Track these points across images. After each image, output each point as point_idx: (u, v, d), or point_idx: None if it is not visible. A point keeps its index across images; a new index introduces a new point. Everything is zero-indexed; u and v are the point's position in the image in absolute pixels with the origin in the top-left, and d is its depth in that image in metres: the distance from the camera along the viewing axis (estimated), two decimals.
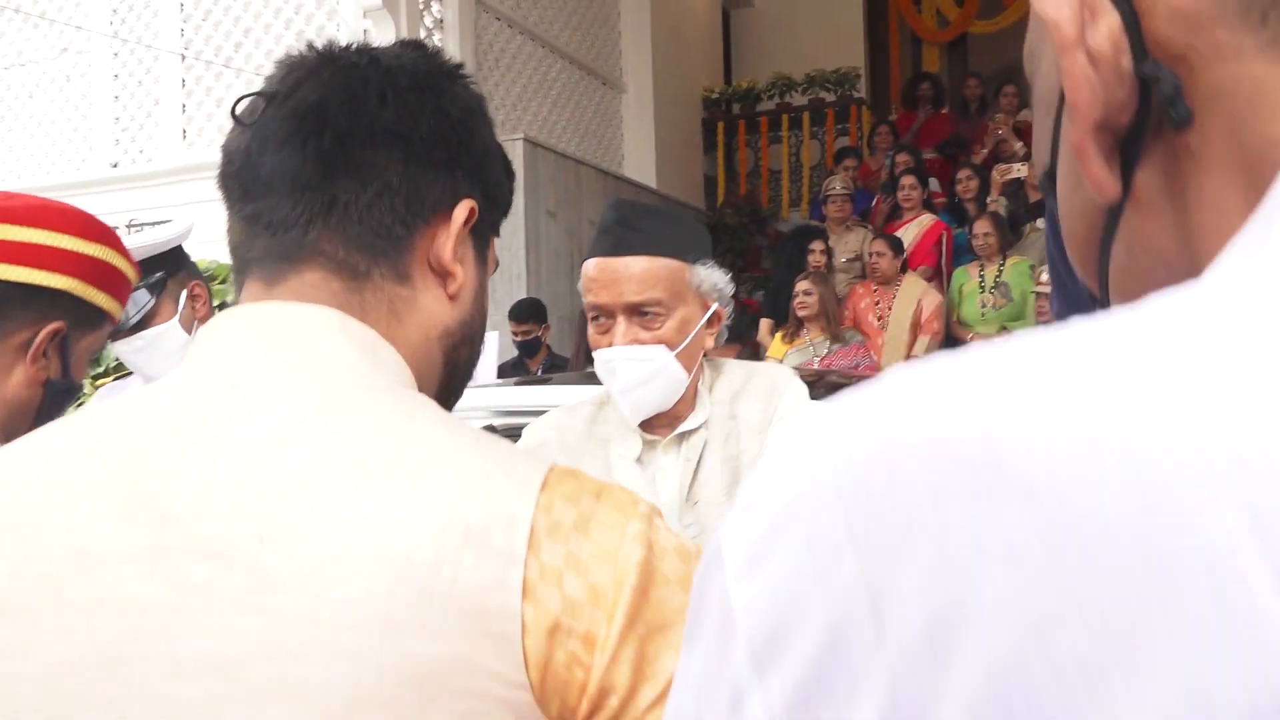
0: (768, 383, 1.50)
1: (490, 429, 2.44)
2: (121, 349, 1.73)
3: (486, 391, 2.69)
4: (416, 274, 0.71)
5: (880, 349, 5.45)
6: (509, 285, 6.41)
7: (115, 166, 7.45)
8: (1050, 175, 0.40)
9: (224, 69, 6.92)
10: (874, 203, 7.16)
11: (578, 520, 0.58)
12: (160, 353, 1.71)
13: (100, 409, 0.66)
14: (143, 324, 1.70)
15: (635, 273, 1.37)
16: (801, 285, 4.89)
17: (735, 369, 1.54)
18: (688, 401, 1.46)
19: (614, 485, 0.63)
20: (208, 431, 0.60)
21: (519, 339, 5.23)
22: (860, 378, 4.63)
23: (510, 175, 0.80)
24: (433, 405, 0.66)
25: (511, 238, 6.38)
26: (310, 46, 0.73)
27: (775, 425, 1.44)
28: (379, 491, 0.57)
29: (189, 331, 1.73)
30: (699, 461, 1.44)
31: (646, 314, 1.38)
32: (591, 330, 1.43)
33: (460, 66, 0.76)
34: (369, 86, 0.69)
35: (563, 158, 6.91)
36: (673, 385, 1.41)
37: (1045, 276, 4.65)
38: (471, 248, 0.75)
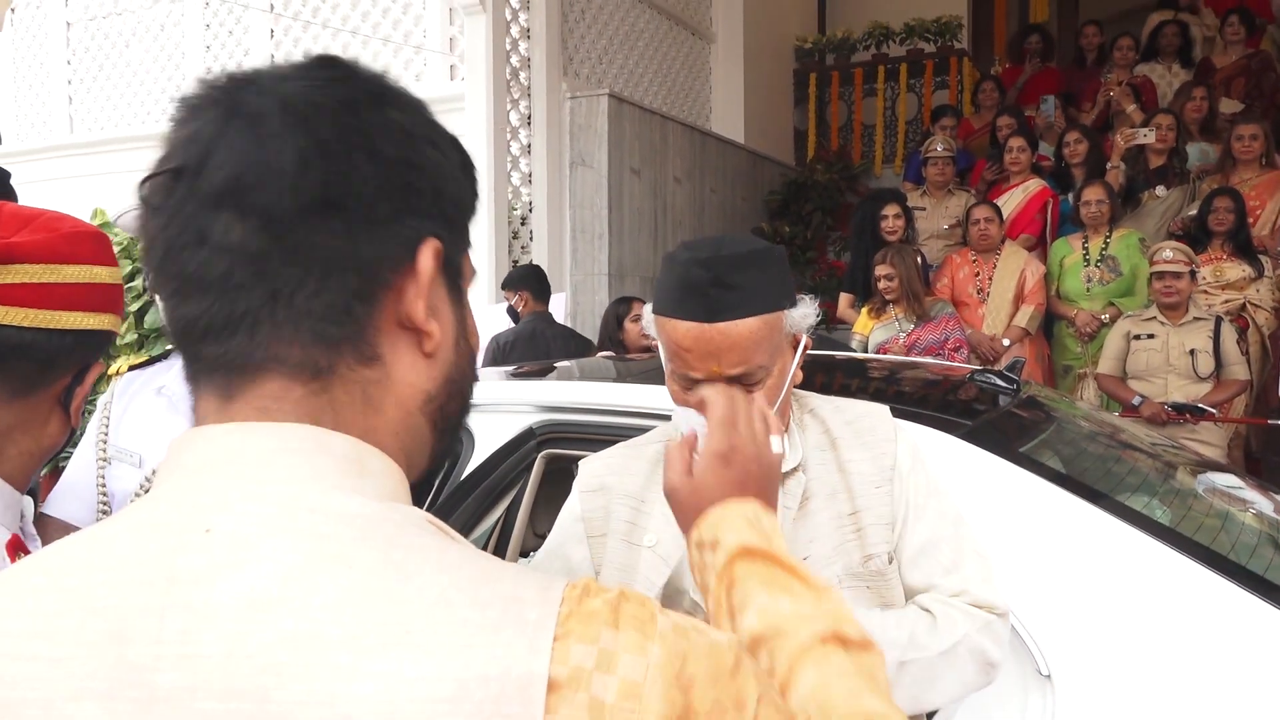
0: (868, 426, 1.38)
1: (530, 433, 2.32)
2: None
3: (530, 386, 2.54)
4: (385, 346, 0.63)
5: (980, 320, 5.20)
6: (590, 245, 6.31)
7: None
8: None
9: (311, 21, 6.89)
10: (975, 165, 6.82)
11: (599, 659, 0.53)
12: None
13: (67, 553, 0.59)
14: None
15: (737, 341, 1.22)
16: (881, 269, 4.66)
17: (823, 406, 1.42)
18: None
19: (629, 598, 0.57)
20: (186, 592, 0.54)
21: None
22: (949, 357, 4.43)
23: (468, 171, 0.68)
24: (425, 536, 0.58)
25: (595, 195, 6.27)
26: (205, 85, 0.62)
27: (902, 479, 1.33)
28: (377, 668, 0.51)
29: None
30: (800, 511, 1.33)
31: (748, 380, 1.25)
32: (675, 387, 1.31)
33: (384, 78, 0.65)
34: (284, 148, 0.58)
35: (648, 113, 6.74)
36: None
37: (1169, 254, 4.34)
38: (444, 285, 0.66)
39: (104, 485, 1.56)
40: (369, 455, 0.61)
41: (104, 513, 1.55)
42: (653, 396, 2.21)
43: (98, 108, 8.18)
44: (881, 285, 4.64)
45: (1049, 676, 1.53)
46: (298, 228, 0.58)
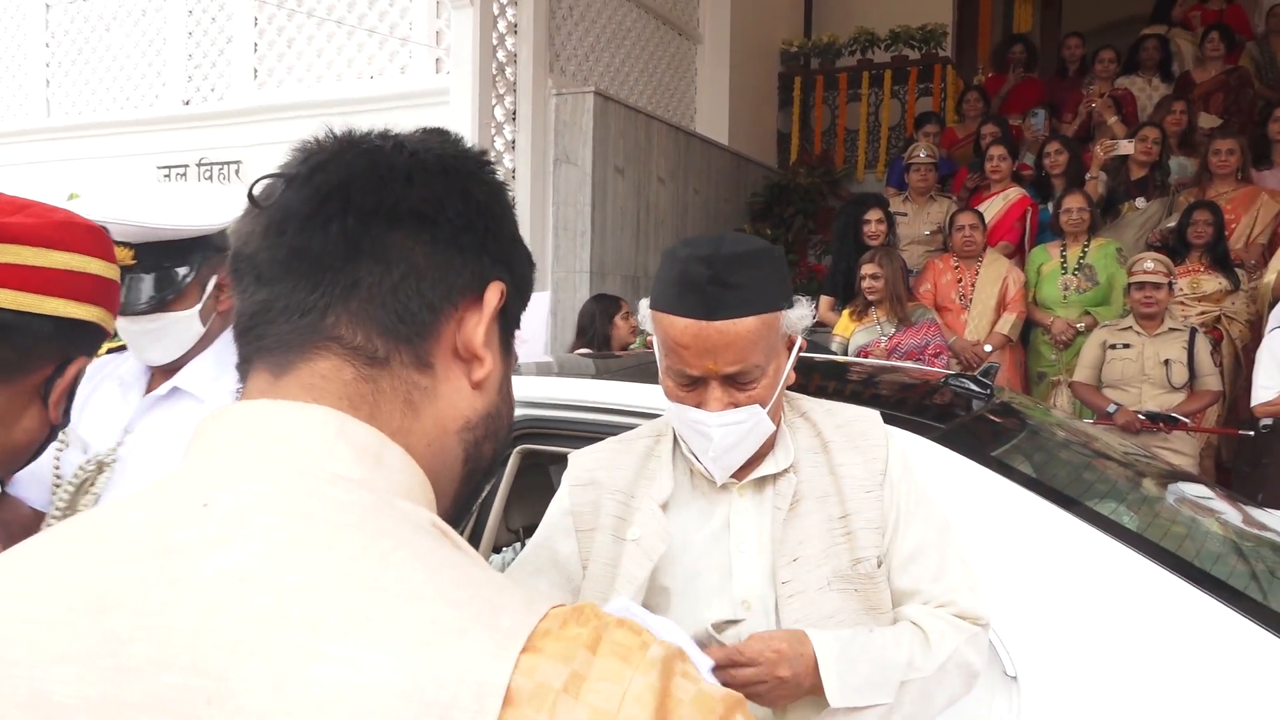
0: (860, 430, 1.38)
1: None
2: (127, 326, 1.55)
3: (523, 383, 2.52)
4: (439, 362, 0.67)
5: (962, 326, 5.23)
6: (573, 242, 6.30)
7: (187, 104, 7.45)
8: None
9: (296, 10, 6.84)
10: (957, 173, 6.86)
11: (569, 681, 0.50)
12: (168, 339, 1.56)
13: (86, 522, 0.61)
14: (162, 306, 1.53)
15: (735, 339, 1.22)
16: (868, 269, 4.68)
17: (815, 409, 1.43)
18: (768, 441, 1.35)
19: (623, 625, 0.54)
20: (174, 564, 0.55)
21: None
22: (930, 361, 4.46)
23: (532, 266, 0.77)
24: (421, 535, 0.58)
25: (578, 193, 6.26)
26: (330, 131, 0.69)
27: (892, 485, 1.34)
28: (333, 651, 0.50)
29: (204, 324, 1.59)
30: (791, 512, 1.33)
31: (744, 379, 1.26)
32: (670, 383, 1.31)
33: (485, 153, 0.74)
34: (394, 168, 0.66)
35: (633, 112, 6.73)
36: (762, 438, 1.32)
37: (1150, 265, 4.38)
38: (498, 332, 0.72)
39: (58, 469, 1.53)
40: (390, 450, 0.63)
41: (56, 496, 1.52)
42: (628, 394, 2.22)
43: (76, 91, 8.08)
44: (866, 284, 4.65)
45: (1015, 677, 1.55)
46: (391, 229, 0.64)
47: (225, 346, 1.62)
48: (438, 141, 0.70)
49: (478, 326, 0.68)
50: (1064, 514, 1.77)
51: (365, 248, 0.64)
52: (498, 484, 2.35)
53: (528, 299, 0.76)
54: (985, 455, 1.91)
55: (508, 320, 0.73)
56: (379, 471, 0.61)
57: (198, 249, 1.56)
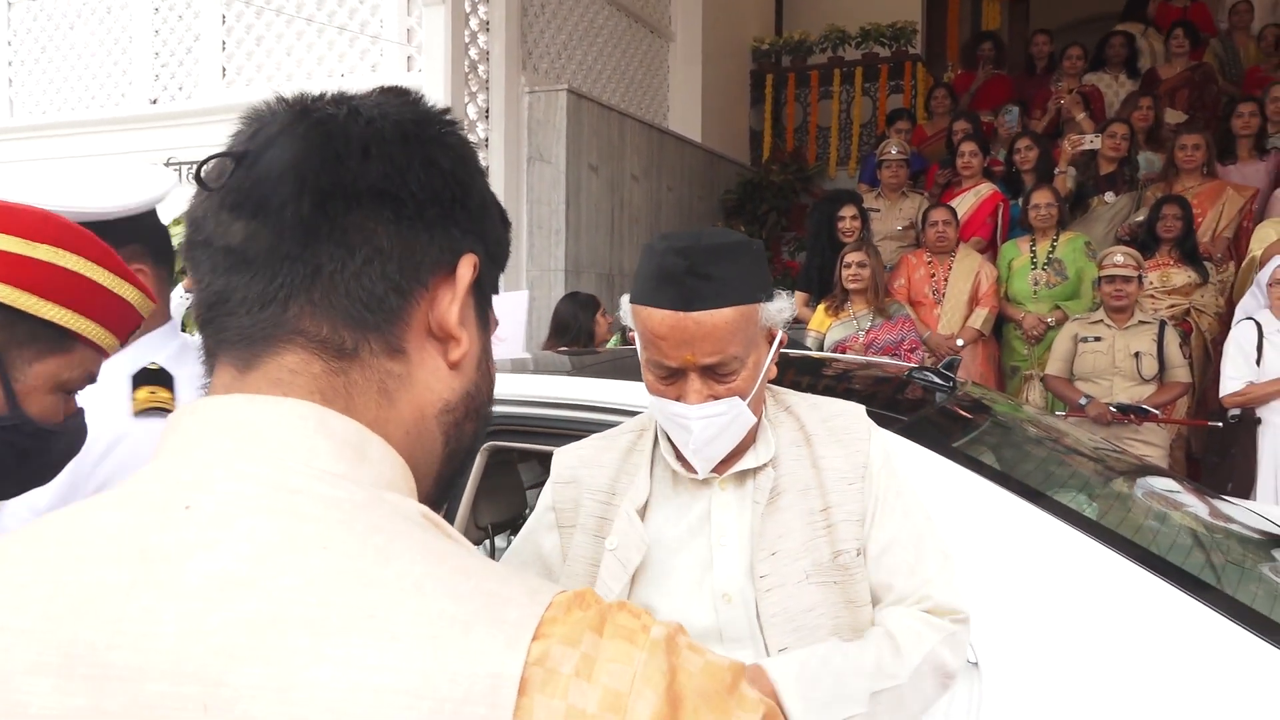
0: (843, 425, 1.38)
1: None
2: None
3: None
4: (412, 346, 0.63)
5: (936, 320, 5.27)
6: (548, 240, 6.29)
7: (154, 103, 7.36)
8: None
9: (265, 7, 6.77)
10: (929, 169, 6.91)
11: (579, 664, 0.50)
12: None
13: (54, 524, 0.58)
14: None
15: (712, 330, 1.23)
16: (854, 257, 4.70)
17: (799, 403, 1.43)
18: (750, 435, 1.35)
19: (624, 609, 0.54)
20: (156, 570, 0.53)
21: None
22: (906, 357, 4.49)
23: (507, 225, 0.73)
24: (414, 527, 0.56)
25: (552, 191, 6.25)
26: (280, 99, 0.65)
27: (874, 477, 1.34)
28: (337, 653, 0.49)
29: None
30: (770, 506, 1.33)
31: (722, 370, 1.26)
32: (651, 377, 1.31)
33: (448, 113, 0.68)
34: (350, 141, 0.61)
35: (606, 109, 6.73)
36: (743, 430, 1.32)
37: (1120, 259, 4.44)
38: (473, 306, 0.68)
39: None
40: (371, 442, 0.61)
41: None
42: (596, 390, 2.23)
43: (39, 91, 7.94)
44: (852, 272, 4.65)
45: (976, 664, 1.58)
46: (350, 211, 0.60)
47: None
48: (396, 104, 0.65)
49: (451, 305, 0.64)
50: (1025, 504, 1.80)
51: (324, 232, 0.60)
52: (465, 481, 2.35)
53: (504, 264, 0.72)
54: (947, 446, 1.94)
55: (483, 291, 0.69)
56: (362, 465, 0.59)
57: (123, 231, 1.42)
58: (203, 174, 0.62)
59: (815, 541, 1.31)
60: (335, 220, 0.60)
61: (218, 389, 0.62)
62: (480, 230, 0.67)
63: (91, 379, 1.10)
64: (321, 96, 0.65)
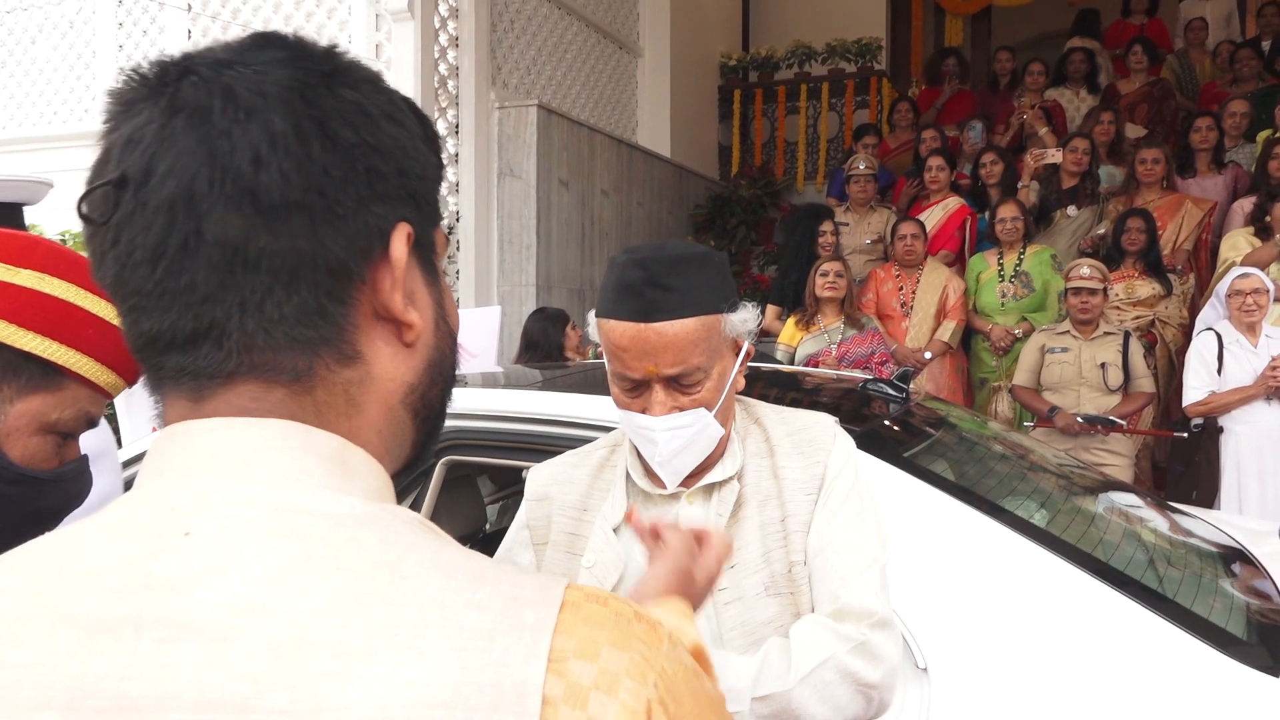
0: (808, 438, 1.37)
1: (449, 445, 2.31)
2: None
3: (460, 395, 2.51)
4: (363, 343, 0.60)
5: (904, 334, 5.33)
6: (519, 256, 6.28)
7: None
8: None
9: (231, 22, 6.73)
10: (896, 183, 6.99)
11: (598, 678, 0.51)
12: None
13: (39, 554, 0.56)
14: None
15: (673, 341, 1.22)
16: (832, 265, 4.74)
17: (769, 416, 1.42)
18: (719, 449, 1.35)
19: (640, 620, 0.55)
20: (163, 600, 0.51)
21: None
22: (877, 370, 4.53)
23: (430, 139, 0.65)
24: (419, 535, 0.56)
25: (523, 207, 6.24)
26: (139, 76, 0.58)
27: (829, 486, 1.33)
28: (366, 672, 0.49)
29: None
30: (733, 519, 1.33)
31: (686, 381, 1.26)
32: (616, 390, 1.31)
33: (334, 56, 0.60)
34: (235, 148, 0.54)
35: (576, 125, 6.74)
36: (711, 443, 1.31)
37: (1086, 271, 4.51)
38: (419, 267, 0.63)
39: None
40: (353, 454, 0.59)
41: None
42: (554, 404, 2.23)
43: (0, 106, 7.83)
44: (830, 281, 4.69)
45: (925, 670, 1.60)
46: (259, 234, 0.55)
47: None
48: (275, 69, 0.57)
49: (394, 290, 0.60)
50: (974, 512, 1.84)
51: (236, 263, 0.55)
52: (423, 495, 2.36)
53: (437, 186, 0.66)
54: (898, 456, 1.96)
55: (424, 249, 0.64)
56: (350, 479, 0.58)
57: None
58: (85, 209, 0.57)
59: (774, 553, 1.30)
60: (245, 247, 0.55)
61: (174, 418, 0.59)
62: (406, 189, 0.61)
63: (91, 422, 1.00)
64: (187, 69, 0.57)
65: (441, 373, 0.66)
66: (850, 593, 1.25)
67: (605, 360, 1.33)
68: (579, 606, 0.53)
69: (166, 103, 0.56)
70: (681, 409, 1.26)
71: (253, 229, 0.55)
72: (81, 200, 0.57)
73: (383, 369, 0.61)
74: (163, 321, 0.56)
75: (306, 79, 0.57)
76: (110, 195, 0.56)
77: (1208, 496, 4.36)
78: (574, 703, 0.50)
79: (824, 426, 1.39)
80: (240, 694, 0.49)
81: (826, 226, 5.49)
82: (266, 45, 0.59)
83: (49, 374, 0.95)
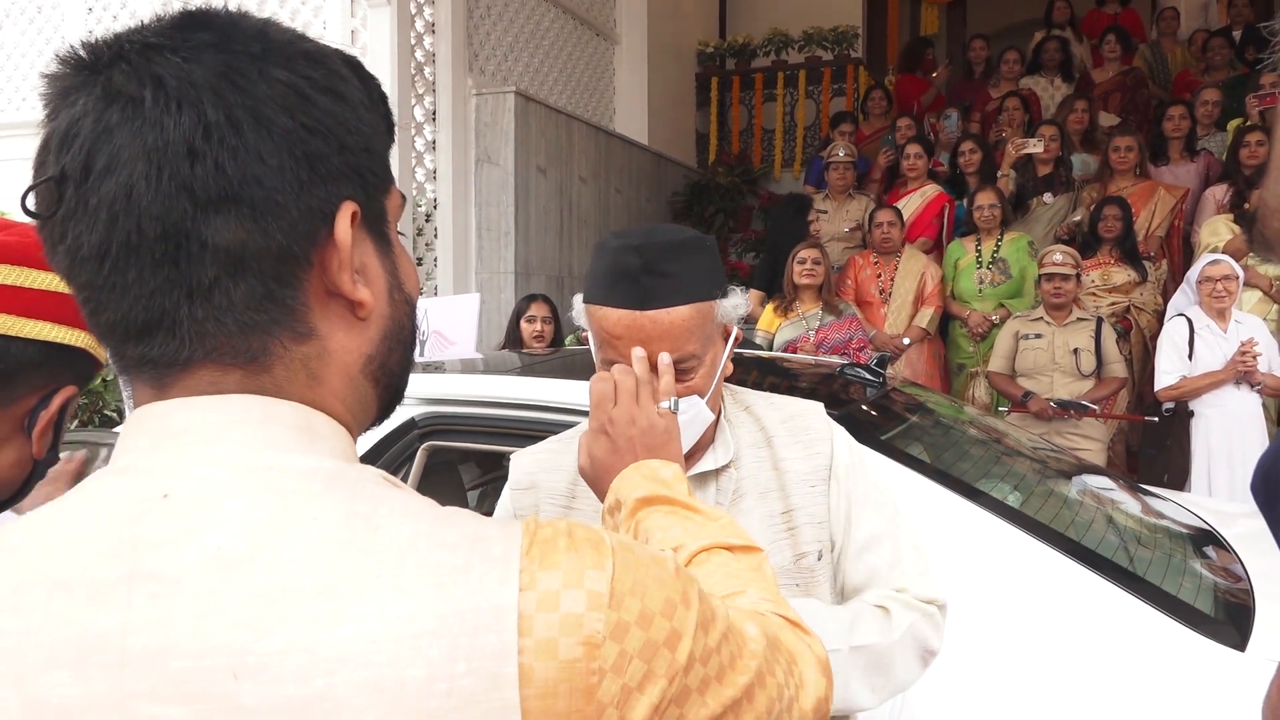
0: (803, 425, 1.36)
1: (411, 424, 2.32)
2: None
3: (412, 378, 2.50)
4: (316, 319, 0.62)
5: (882, 320, 5.36)
6: (497, 243, 6.26)
7: None
8: None
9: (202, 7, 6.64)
10: (871, 170, 7.02)
11: (565, 579, 0.57)
12: None
13: (27, 529, 0.58)
14: None
15: (669, 329, 1.20)
16: (810, 253, 4.75)
17: (759, 403, 1.40)
18: (708, 435, 1.33)
19: (578, 527, 0.62)
20: (149, 558, 0.54)
21: None
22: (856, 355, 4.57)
23: (375, 101, 0.65)
24: (384, 489, 0.60)
25: (500, 194, 6.22)
26: (72, 62, 0.58)
27: (840, 479, 1.32)
28: (355, 611, 0.53)
29: None
30: (732, 509, 1.31)
31: (680, 368, 1.23)
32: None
33: (264, 31, 0.60)
34: (170, 140, 0.55)
35: (554, 112, 6.72)
36: (702, 429, 1.29)
37: (1059, 257, 4.55)
38: (369, 239, 0.64)
39: None
40: (317, 419, 0.62)
41: None
42: (534, 389, 2.24)
43: None
44: (807, 268, 4.70)
45: None
46: (200, 228, 0.55)
47: None
48: (206, 52, 0.57)
49: (341, 270, 0.60)
50: (950, 493, 1.87)
51: (180, 256, 0.56)
52: (405, 481, 2.35)
53: (389, 180, 0.66)
54: (876, 439, 1.99)
55: (372, 218, 0.64)
56: (316, 441, 0.61)
57: None
58: (29, 205, 0.58)
59: (777, 544, 1.30)
60: (189, 243, 0.56)
61: (144, 401, 0.61)
62: (348, 166, 0.61)
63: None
64: (119, 54, 0.57)
65: (400, 339, 0.68)
66: (915, 584, 1.29)
67: (592, 346, 1.30)
68: (536, 533, 0.59)
69: (100, 91, 0.56)
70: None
71: (192, 223, 0.55)
72: (24, 196, 0.58)
73: (339, 343, 0.63)
74: (116, 313, 0.58)
75: (237, 63, 0.57)
76: (53, 191, 0.57)
77: (1178, 479, 4.42)
78: (546, 608, 0.55)
79: (816, 413, 1.39)
80: (239, 639, 0.52)
81: (815, 215, 5.53)
82: (195, 26, 0.58)
83: (85, 366, 1.00)
